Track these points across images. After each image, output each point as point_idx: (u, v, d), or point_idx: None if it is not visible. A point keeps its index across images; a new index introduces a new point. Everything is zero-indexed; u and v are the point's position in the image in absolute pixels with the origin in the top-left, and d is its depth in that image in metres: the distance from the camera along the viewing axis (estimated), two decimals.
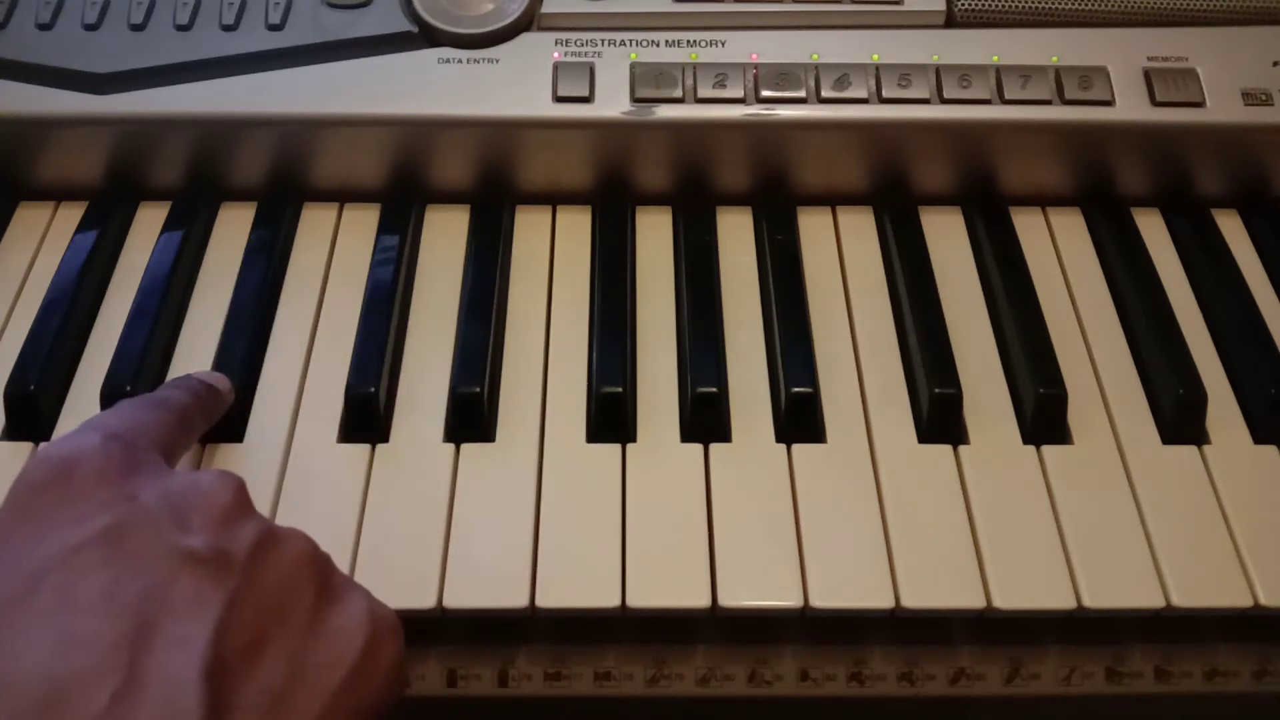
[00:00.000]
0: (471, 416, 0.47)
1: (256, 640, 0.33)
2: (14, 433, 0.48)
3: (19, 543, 0.33)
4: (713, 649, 0.45)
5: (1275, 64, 0.55)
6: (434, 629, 0.45)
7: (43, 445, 0.36)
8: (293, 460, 0.47)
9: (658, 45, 0.55)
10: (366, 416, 0.47)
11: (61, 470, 0.34)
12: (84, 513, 0.33)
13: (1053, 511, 0.45)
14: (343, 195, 0.57)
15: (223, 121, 0.54)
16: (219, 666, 0.31)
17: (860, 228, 0.57)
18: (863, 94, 0.54)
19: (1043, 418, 0.48)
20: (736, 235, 0.56)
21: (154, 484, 0.35)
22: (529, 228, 0.56)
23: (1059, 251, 0.56)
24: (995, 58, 0.55)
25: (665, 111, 0.54)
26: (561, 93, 0.54)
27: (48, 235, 0.56)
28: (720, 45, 0.55)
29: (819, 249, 0.56)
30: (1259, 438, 0.48)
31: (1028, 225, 0.57)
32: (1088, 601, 0.43)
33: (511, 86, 0.54)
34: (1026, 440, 0.48)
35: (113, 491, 0.34)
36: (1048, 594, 0.43)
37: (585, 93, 0.54)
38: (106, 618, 0.31)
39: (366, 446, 0.47)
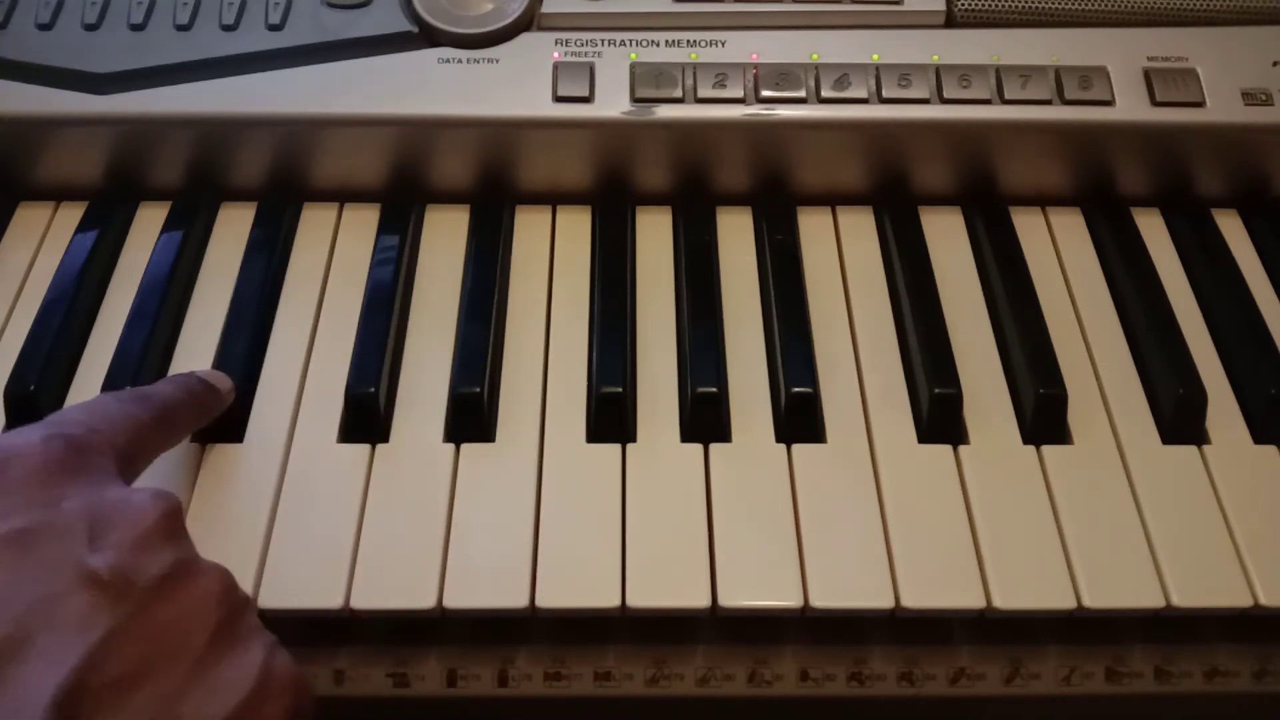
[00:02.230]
0: (471, 416, 0.47)
1: (132, 674, 0.31)
2: None
3: None
4: (713, 649, 0.45)
5: (1275, 64, 0.55)
6: (434, 629, 0.45)
7: None
8: (293, 460, 0.47)
9: (658, 45, 0.55)
10: (366, 416, 0.47)
11: None
12: (2, 510, 0.33)
13: (1053, 511, 0.45)
14: (343, 195, 0.57)
15: (223, 121, 0.54)
16: (79, 694, 0.30)
17: (860, 228, 0.57)
18: (863, 94, 0.54)
19: (1043, 418, 0.48)
20: (736, 235, 0.56)
21: (84, 493, 0.34)
22: (529, 228, 0.56)
23: (1059, 251, 0.56)
24: (995, 58, 0.55)
25: (665, 111, 0.54)
26: (561, 93, 0.54)
27: (48, 235, 0.56)
28: (720, 45, 0.55)
29: (819, 249, 0.56)
30: (1259, 438, 0.49)
31: (1028, 225, 0.57)
32: (1088, 601, 0.43)
33: (511, 86, 0.54)
34: (1026, 440, 0.48)
35: (37, 494, 0.33)
36: (1048, 594, 0.43)
37: (585, 93, 0.54)
38: None
39: (366, 446, 0.47)
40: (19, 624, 0.31)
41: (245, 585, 0.42)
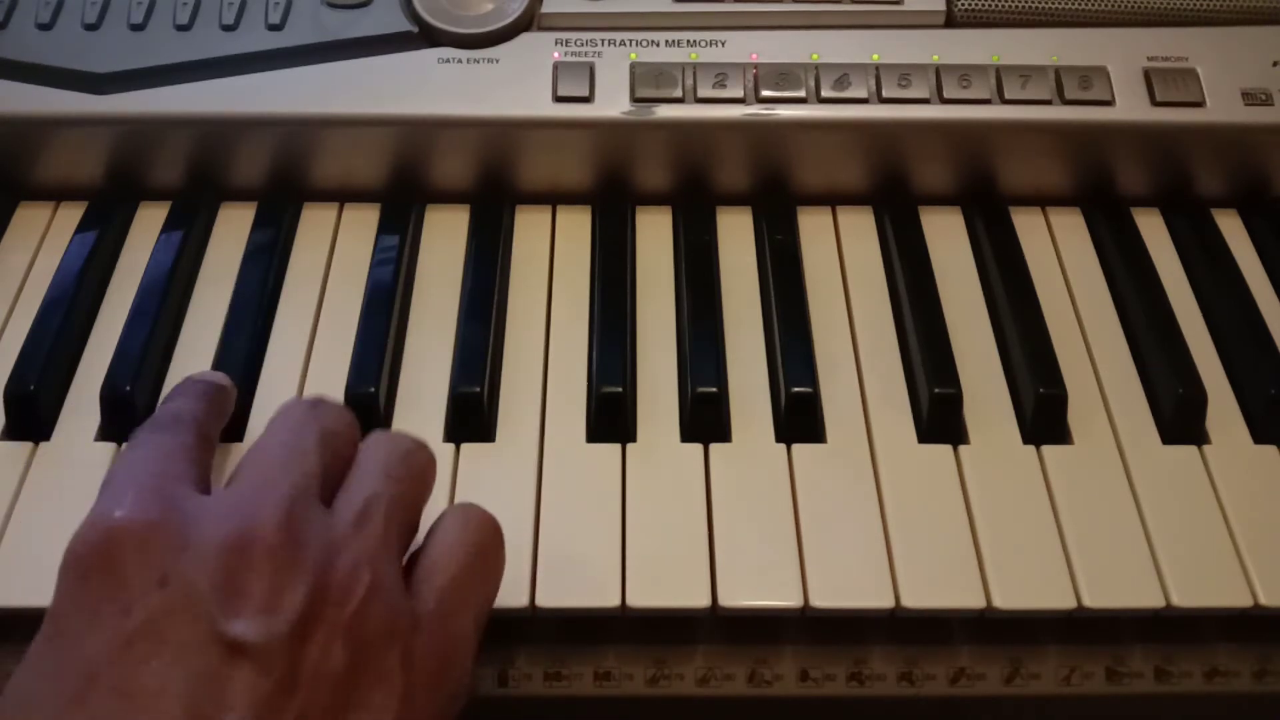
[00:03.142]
0: (471, 416, 0.47)
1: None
2: (14, 433, 0.48)
3: (73, 636, 0.32)
4: (713, 649, 0.45)
5: (1275, 64, 0.55)
6: None
7: (87, 519, 0.35)
8: None
9: (658, 45, 0.55)
10: (366, 416, 0.47)
11: (103, 550, 0.33)
12: (128, 600, 0.32)
13: (1053, 511, 0.45)
14: (343, 195, 0.57)
15: (223, 121, 0.54)
16: None
17: (860, 228, 0.57)
18: (863, 94, 0.54)
19: (1043, 418, 0.48)
20: (736, 235, 0.56)
21: (193, 548, 0.33)
22: (529, 228, 0.56)
23: (1059, 251, 0.56)
24: (995, 58, 0.55)
25: (665, 111, 0.54)
26: (561, 93, 0.54)
27: (48, 235, 0.56)
28: (720, 45, 0.55)
29: (819, 249, 0.56)
30: (1259, 438, 0.48)
31: (1028, 225, 0.57)
32: (1088, 601, 0.43)
33: (511, 86, 0.54)
34: (1026, 440, 0.48)
35: (153, 571, 0.33)
36: (1048, 594, 0.43)
37: (585, 93, 0.54)
38: (162, 716, 0.30)
39: None
40: (193, 711, 0.30)
41: None
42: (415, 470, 0.39)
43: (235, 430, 0.47)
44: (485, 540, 0.39)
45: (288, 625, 0.32)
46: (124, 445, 0.39)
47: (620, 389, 0.48)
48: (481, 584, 0.38)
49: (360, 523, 0.36)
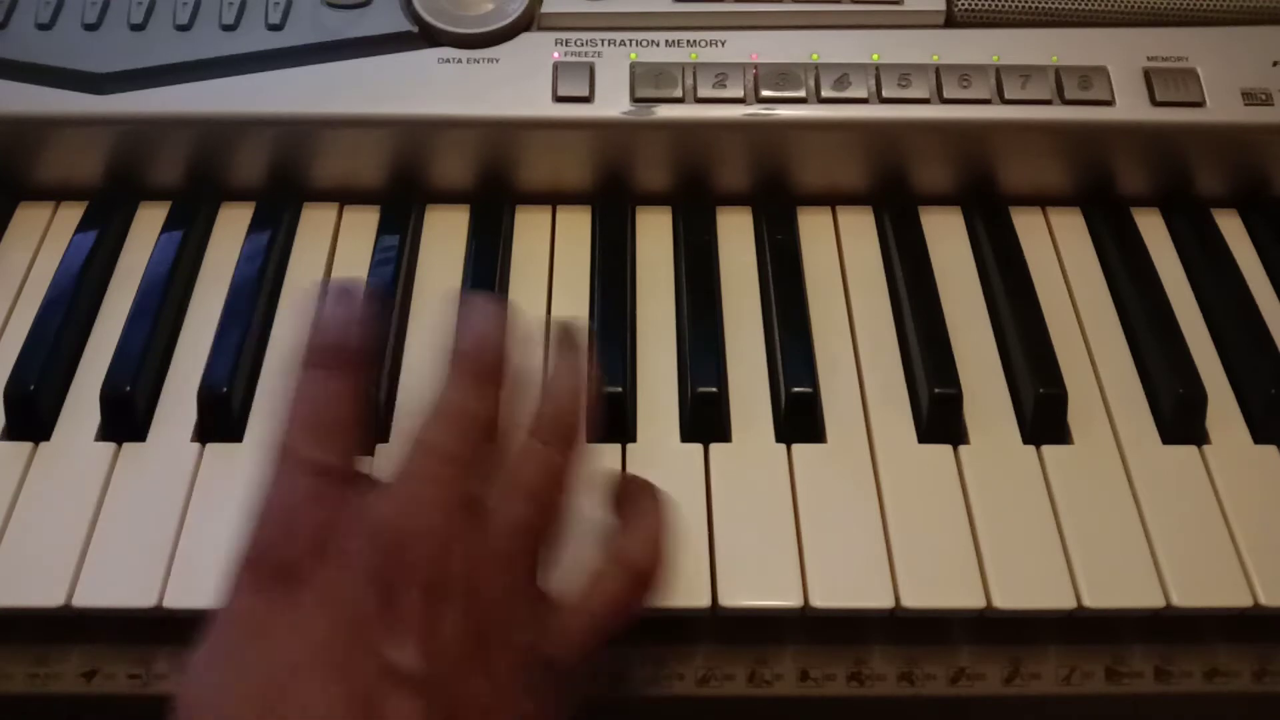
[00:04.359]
0: None
1: None
2: (14, 433, 0.48)
3: (246, 658, 0.33)
4: (713, 649, 0.45)
5: (1275, 64, 0.55)
6: None
7: (263, 514, 0.35)
8: None
9: (658, 45, 0.55)
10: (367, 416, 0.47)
11: (277, 558, 0.34)
12: (297, 616, 0.33)
13: (1053, 511, 0.45)
14: (343, 195, 0.57)
15: (223, 121, 0.54)
16: None
17: (860, 228, 0.57)
18: (863, 94, 0.54)
19: (1043, 417, 0.48)
20: (736, 235, 0.56)
21: (357, 564, 0.33)
22: (529, 228, 0.56)
23: (1059, 251, 0.56)
24: (995, 58, 0.55)
25: (665, 111, 0.54)
26: (561, 93, 0.54)
27: (48, 235, 0.56)
28: (720, 45, 0.55)
29: (819, 249, 0.56)
30: (1259, 438, 0.48)
31: (1028, 225, 0.57)
32: (1088, 601, 0.43)
33: (511, 86, 0.54)
34: (1026, 440, 0.48)
35: (322, 585, 0.33)
36: (1048, 594, 0.43)
37: (585, 93, 0.54)
38: None
39: None
40: None
41: None
42: (563, 491, 0.38)
43: (235, 431, 0.48)
44: (637, 601, 0.38)
45: (447, 661, 0.33)
46: (294, 378, 0.38)
47: (620, 389, 0.48)
48: (616, 630, 0.38)
49: (508, 558, 0.36)
